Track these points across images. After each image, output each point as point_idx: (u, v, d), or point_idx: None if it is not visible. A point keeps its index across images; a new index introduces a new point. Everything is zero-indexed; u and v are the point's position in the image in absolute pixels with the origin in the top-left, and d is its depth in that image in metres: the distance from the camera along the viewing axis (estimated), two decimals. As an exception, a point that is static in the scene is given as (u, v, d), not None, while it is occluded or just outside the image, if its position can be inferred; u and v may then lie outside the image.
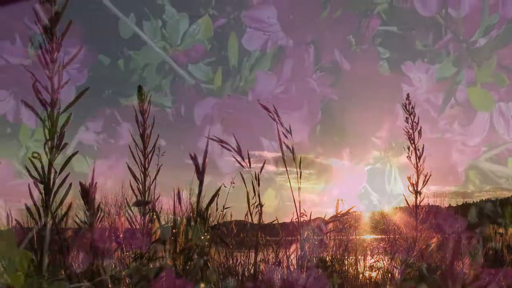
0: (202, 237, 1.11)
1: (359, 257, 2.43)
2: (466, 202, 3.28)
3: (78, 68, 3.08)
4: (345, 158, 3.42)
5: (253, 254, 1.81)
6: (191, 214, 1.11)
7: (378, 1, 3.27)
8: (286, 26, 3.27)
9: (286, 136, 1.55)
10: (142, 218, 1.58)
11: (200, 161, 1.06)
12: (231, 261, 2.12)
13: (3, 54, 3.02)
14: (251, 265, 2.00)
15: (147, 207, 1.55)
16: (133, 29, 3.26)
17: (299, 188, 1.56)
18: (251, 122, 3.24)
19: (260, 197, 1.46)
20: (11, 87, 3.06)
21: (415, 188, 2.14)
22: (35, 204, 1.21)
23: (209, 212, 1.14)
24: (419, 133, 2.14)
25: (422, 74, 3.29)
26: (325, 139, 3.43)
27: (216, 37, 3.40)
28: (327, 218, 1.72)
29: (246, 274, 2.04)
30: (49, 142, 1.21)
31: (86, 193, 1.23)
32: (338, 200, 1.80)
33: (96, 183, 1.26)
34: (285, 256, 1.81)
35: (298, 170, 1.55)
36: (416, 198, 2.15)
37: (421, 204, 2.16)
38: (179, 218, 1.13)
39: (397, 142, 3.32)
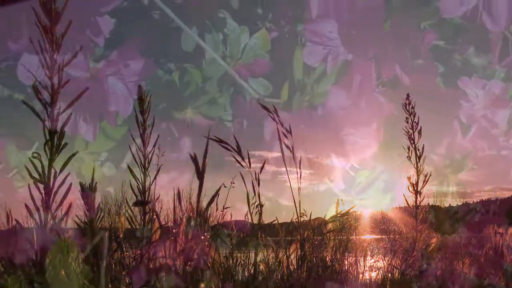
0: (202, 237, 1.11)
1: (359, 257, 2.43)
2: (466, 202, 3.28)
3: (136, 81, 3.04)
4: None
5: (253, 254, 1.81)
6: (191, 214, 1.11)
7: (442, 16, 3.18)
8: (347, 40, 3.20)
9: (286, 136, 1.56)
10: (142, 218, 1.58)
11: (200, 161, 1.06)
12: (231, 261, 2.12)
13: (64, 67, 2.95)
14: (251, 265, 2.00)
15: (147, 207, 1.55)
16: (196, 42, 3.19)
17: (299, 188, 1.56)
18: (321, 136, 3.20)
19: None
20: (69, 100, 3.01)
21: (415, 188, 2.14)
22: (35, 204, 1.21)
23: (208, 212, 1.14)
24: (419, 133, 2.14)
25: (479, 90, 3.20)
26: (389, 153, 3.31)
27: (276, 50, 3.33)
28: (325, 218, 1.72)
29: (246, 274, 2.04)
30: (49, 142, 1.21)
31: (86, 193, 1.23)
32: (338, 200, 1.80)
33: (96, 183, 1.27)
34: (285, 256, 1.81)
35: (298, 170, 1.56)
36: (416, 198, 2.15)
37: (421, 204, 2.16)
38: (179, 218, 1.13)
39: (455, 158, 3.22)
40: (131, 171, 1.59)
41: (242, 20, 3.26)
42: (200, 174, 1.05)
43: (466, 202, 3.25)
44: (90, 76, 2.88)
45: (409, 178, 2.15)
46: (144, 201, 1.54)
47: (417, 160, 2.14)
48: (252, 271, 1.84)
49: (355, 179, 3.08)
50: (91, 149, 3.12)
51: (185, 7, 3.22)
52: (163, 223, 1.37)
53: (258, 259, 1.79)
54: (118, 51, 2.99)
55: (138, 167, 1.60)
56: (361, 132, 3.18)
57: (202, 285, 1.13)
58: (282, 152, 1.57)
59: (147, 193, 1.58)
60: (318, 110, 3.25)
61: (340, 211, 1.76)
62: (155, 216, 1.55)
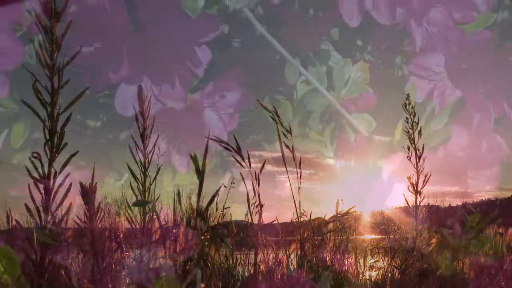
0: (202, 237, 1.11)
1: (359, 257, 2.43)
2: (466, 202, 3.28)
3: (231, 113, 2.99)
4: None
5: (253, 254, 1.81)
6: (191, 214, 1.12)
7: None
8: (454, 74, 3.07)
9: (286, 136, 1.56)
10: (142, 218, 1.58)
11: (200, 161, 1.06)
12: (231, 261, 2.12)
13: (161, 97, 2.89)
14: (251, 265, 2.00)
15: (147, 207, 1.55)
16: (300, 74, 3.12)
17: (299, 188, 1.56)
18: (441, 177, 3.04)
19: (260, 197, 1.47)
20: (165, 131, 2.94)
21: (415, 188, 2.14)
22: (35, 204, 1.21)
23: (208, 212, 1.14)
24: (419, 133, 2.14)
25: None
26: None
27: (377, 84, 3.22)
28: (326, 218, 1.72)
29: (246, 274, 2.04)
30: (49, 142, 1.21)
31: (86, 193, 1.23)
32: (338, 200, 1.80)
33: (96, 183, 1.27)
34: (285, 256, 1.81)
35: (301, 171, 1.56)
36: (416, 198, 2.15)
37: (421, 204, 2.16)
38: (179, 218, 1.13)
39: None
40: (131, 171, 1.59)
41: (342, 52, 3.18)
42: (200, 174, 1.05)
43: (466, 202, 3.25)
44: (186, 107, 2.84)
45: (409, 178, 2.15)
46: (144, 201, 1.54)
47: (417, 160, 2.14)
48: (252, 271, 1.84)
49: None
50: (176, 181, 3.05)
51: (286, 38, 3.16)
52: (163, 223, 1.37)
53: (258, 259, 1.80)
54: (215, 82, 2.96)
55: (138, 167, 1.60)
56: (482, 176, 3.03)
57: (202, 285, 1.13)
58: (282, 152, 1.57)
59: (147, 193, 1.58)
60: (438, 151, 3.07)
61: (340, 211, 1.76)
62: (155, 216, 1.55)
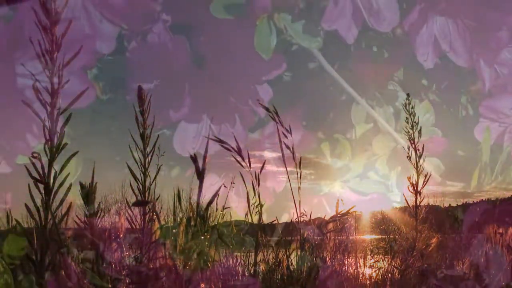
0: (202, 237, 1.11)
1: (359, 257, 2.43)
2: (466, 202, 3.28)
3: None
4: None
5: (253, 254, 1.81)
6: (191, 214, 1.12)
7: None
8: None
9: (286, 136, 1.56)
10: (142, 218, 1.58)
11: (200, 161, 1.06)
12: (231, 261, 2.12)
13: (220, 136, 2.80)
14: (251, 265, 2.00)
15: (147, 207, 1.55)
16: (368, 115, 3.07)
17: (299, 188, 1.56)
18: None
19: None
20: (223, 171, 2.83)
21: (415, 188, 2.14)
22: (35, 204, 1.21)
23: (209, 212, 1.15)
24: (419, 133, 2.14)
25: None
26: None
27: (444, 126, 3.10)
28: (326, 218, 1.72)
29: (246, 274, 2.04)
30: (49, 142, 1.21)
31: (86, 193, 1.23)
32: (338, 200, 1.80)
33: (96, 183, 1.27)
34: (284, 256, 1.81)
35: (299, 170, 1.56)
36: (416, 198, 2.15)
37: (421, 204, 2.16)
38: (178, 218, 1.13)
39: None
40: (131, 171, 1.59)
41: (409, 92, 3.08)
42: (200, 174, 1.05)
43: (466, 202, 3.25)
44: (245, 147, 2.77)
45: (409, 178, 2.15)
46: (144, 201, 1.54)
47: (417, 160, 2.14)
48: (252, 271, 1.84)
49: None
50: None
51: (353, 77, 3.12)
52: (163, 223, 1.37)
53: (258, 259, 1.80)
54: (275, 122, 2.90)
55: (138, 167, 1.60)
56: None
57: (202, 285, 1.13)
58: (282, 152, 1.57)
59: (147, 193, 1.58)
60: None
61: (340, 211, 1.76)
62: (155, 216, 1.55)
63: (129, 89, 2.69)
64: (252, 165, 1.49)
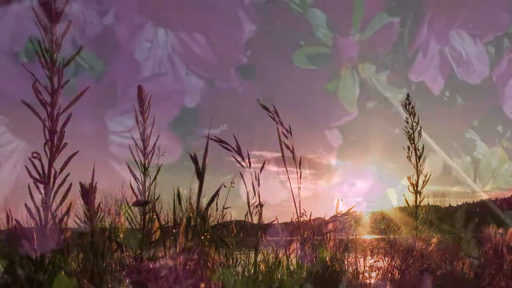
0: (202, 237, 1.11)
1: (359, 257, 2.43)
2: (466, 202, 3.28)
3: (359, 202, 2.93)
4: None
5: (253, 254, 1.81)
6: (191, 214, 1.12)
7: None
8: None
9: (286, 136, 1.56)
10: (142, 218, 1.58)
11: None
12: (231, 261, 2.12)
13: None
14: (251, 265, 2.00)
15: (147, 207, 1.55)
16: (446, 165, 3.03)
17: (299, 188, 1.56)
18: None
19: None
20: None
21: (415, 188, 2.14)
22: (35, 204, 1.21)
23: (209, 212, 1.15)
24: (419, 133, 2.14)
25: None
26: None
27: None
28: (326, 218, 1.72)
29: (246, 274, 2.04)
30: (49, 142, 1.21)
31: (86, 193, 1.23)
32: (338, 200, 1.80)
33: (96, 183, 1.27)
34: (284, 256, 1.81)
35: (298, 170, 1.56)
36: (416, 198, 2.15)
37: (421, 204, 2.16)
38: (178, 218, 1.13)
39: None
40: (131, 171, 1.59)
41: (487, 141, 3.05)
42: (200, 174, 1.05)
43: (466, 202, 3.25)
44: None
45: (409, 178, 2.15)
46: (144, 201, 1.54)
47: (417, 160, 2.14)
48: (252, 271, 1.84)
49: None
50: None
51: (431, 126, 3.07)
52: (163, 223, 1.37)
53: (258, 259, 1.80)
54: (344, 170, 2.88)
55: (138, 167, 1.60)
56: None
57: (202, 285, 1.13)
58: (282, 152, 1.57)
59: (147, 193, 1.58)
60: None
61: (340, 211, 1.76)
62: (155, 216, 1.55)
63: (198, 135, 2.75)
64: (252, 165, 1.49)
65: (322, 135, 2.92)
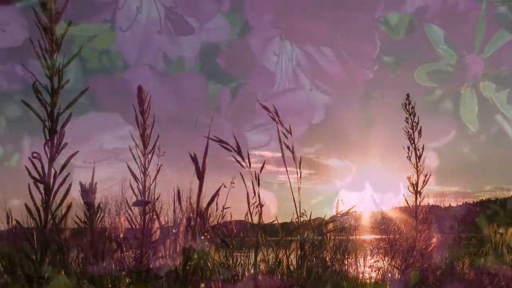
0: (202, 237, 1.11)
1: (359, 257, 2.43)
2: (466, 202, 3.28)
3: None
4: None
5: (253, 254, 1.81)
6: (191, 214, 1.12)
7: None
8: None
9: (286, 136, 1.56)
10: (142, 218, 1.58)
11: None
12: (231, 261, 2.12)
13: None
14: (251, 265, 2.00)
15: (147, 207, 1.55)
16: None
17: (299, 188, 1.56)
18: None
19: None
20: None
21: (415, 188, 2.14)
22: (35, 204, 1.21)
23: (209, 212, 1.14)
24: (419, 133, 2.14)
25: None
26: None
27: None
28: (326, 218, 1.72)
29: (246, 274, 2.05)
30: (49, 142, 1.21)
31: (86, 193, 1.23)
32: (338, 200, 1.80)
33: (96, 183, 1.27)
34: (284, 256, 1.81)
35: (298, 170, 1.56)
36: (416, 198, 2.15)
37: (421, 204, 2.16)
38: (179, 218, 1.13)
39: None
40: (131, 171, 1.59)
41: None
42: (200, 174, 1.05)
43: (466, 202, 3.25)
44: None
45: (409, 178, 2.15)
46: (144, 201, 1.54)
47: (417, 160, 2.14)
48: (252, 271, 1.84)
49: None
50: None
51: None
52: (163, 223, 1.37)
53: (258, 259, 1.80)
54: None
55: (138, 167, 1.59)
56: None
57: (202, 285, 1.13)
58: (282, 152, 1.57)
59: (147, 193, 1.58)
60: None
61: (340, 211, 1.76)
62: (155, 216, 1.55)
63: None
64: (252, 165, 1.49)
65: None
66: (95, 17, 2.58)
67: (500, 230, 2.57)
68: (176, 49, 2.64)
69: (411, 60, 2.93)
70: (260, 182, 1.49)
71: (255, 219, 1.63)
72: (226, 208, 2.12)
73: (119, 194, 2.21)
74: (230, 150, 1.43)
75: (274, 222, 1.90)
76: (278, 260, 1.98)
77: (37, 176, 1.20)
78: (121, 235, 1.56)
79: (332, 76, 2.71)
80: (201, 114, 2.49)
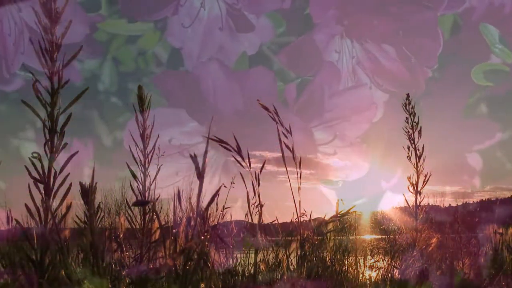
0: (202, 237, 1.11)
1: (359, 257, 2.43)
2: (466, 202, 3.28)
3: None
4: None
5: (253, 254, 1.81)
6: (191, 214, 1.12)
7: None
8: None
9: (286, 136, 1.56)
10: (142, 218, 1.58)
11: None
12: (231, 261, 2.12)
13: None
14: (251, 265, 2.00)
15: (147, 207, 1.55)
16: None
17: (299, 188, 1.56)
18: None
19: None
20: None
21: (415, 188, 2.14)
22: (35, 204, 1.21)
23: (209, 212, 1.14)
24: (419, 133, 2.14)
25: None
26: None
27: None
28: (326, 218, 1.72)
29: (246, 274, 2.05)
30: (49, 142, 1.21)
31: (86, 193, 1.23)
32: (338, 200, 1.80)
33: (96, 183, 1.27)
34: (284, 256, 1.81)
35: (298, 170, 1.56)
36: (416, 198, 2.15)
37: (421, 204, 2.16)
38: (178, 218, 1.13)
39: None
40: (131, 171, 1.59)
41: None
42: (200, 174, 1.05)
43: (465, 202, 3.25)
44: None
45: (409, 178, 2.15)
46: (144, 201, 1.54)
47: (417, 160, 2.14)
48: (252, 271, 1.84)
49: None
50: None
51: None
52: (163, 223, 1.37)
53: (258, 259, 1.80)
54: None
55: (138, 167, 1.60)
56: None
57: (202, 285, 1.13)
58: (282, 152, 1.56)
59: (147, 193, 1.58)
60: None
61: (340, 211, 1.76)
62: (155, 216, 1.55)
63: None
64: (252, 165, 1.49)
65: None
66: (155, 14, 2.60)
67: (500, 230, 2.57)
68: (237, 46, 2.65)
69: (467, 60, 2.90)
70: (260, 182, 1.49)
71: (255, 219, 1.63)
72: (226, 208, 2.12)
73: (119, 194, 2.21)
74: (230, 150, 1.43)
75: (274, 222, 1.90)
76: (278, 260, 1.98)
77: (37, 176, 1.20)
78: (121, 235, 1.56)
79: (393, 74, 2.70)
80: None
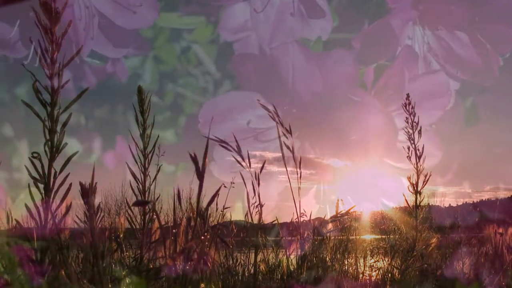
0: (202, 237, 1.11)
1: (359, 257, 2.43)
2: (466, 202, 3.28)
3: None
4: None
5: (253, 254, 1.81)
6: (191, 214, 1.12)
7: None
8: None
9: (286, 136, 1.56)
10: (142, 218, 1.58)
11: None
12: (231, 261, 2.13)
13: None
14: (251, 265, 2.00)
15: (147, 207, 1.55)
16: None
17: (299, 188, 1.56)
18: None
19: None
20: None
21: (415, 188, 2.14)
22: (35, 204, 1.21)
23: (209, 212, 1.14)
24: (419, 133, 2.14)
25: None
26: None
27: None
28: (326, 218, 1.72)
29: (246, 274, 2.05)
30: (49, 142, 1.21)
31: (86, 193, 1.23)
32: (338, 200, 1.81)
33: (96, 183, 1.26)
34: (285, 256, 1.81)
35: (299, 170, 1.56)
36: (416, 198, 2.15)
37: (421, 204, 2.16)
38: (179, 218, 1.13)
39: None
40: (131, 171, 1.59)
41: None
42: (200, 174, 1.05)
43: (465, 202, 3.25)
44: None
45: (409, 178, 2.15)
46: (144, 201, 1.54)
47: (417, 160, 2.14)
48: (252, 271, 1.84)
49: None
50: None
51: None
52: (163, 223, 1.37)
53: (258, 259, 1.80)
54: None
55: (138, 167, 1.60)
56: None
57: (202, 285, 1.13)
58: (282, 152, 1.57)
59: (147, 193, 1.58)
60: None
61: (340, 211, 1.76)
62: (155, 216, 1.55)
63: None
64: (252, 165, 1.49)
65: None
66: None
67: (500, 230, 2.57)
68: (308, 31, 2.63)
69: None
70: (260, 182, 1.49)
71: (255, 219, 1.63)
72: (226, 208, 2.12)
73: (119, 194, 2.21)
74: (230, 150, 1.43)
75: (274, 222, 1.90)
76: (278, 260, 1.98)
77: (37, 176, 1.20)
78: (121, 235, 1.56)
79: (465, 62, 2.67)
80: (348, 92, 2.48)
